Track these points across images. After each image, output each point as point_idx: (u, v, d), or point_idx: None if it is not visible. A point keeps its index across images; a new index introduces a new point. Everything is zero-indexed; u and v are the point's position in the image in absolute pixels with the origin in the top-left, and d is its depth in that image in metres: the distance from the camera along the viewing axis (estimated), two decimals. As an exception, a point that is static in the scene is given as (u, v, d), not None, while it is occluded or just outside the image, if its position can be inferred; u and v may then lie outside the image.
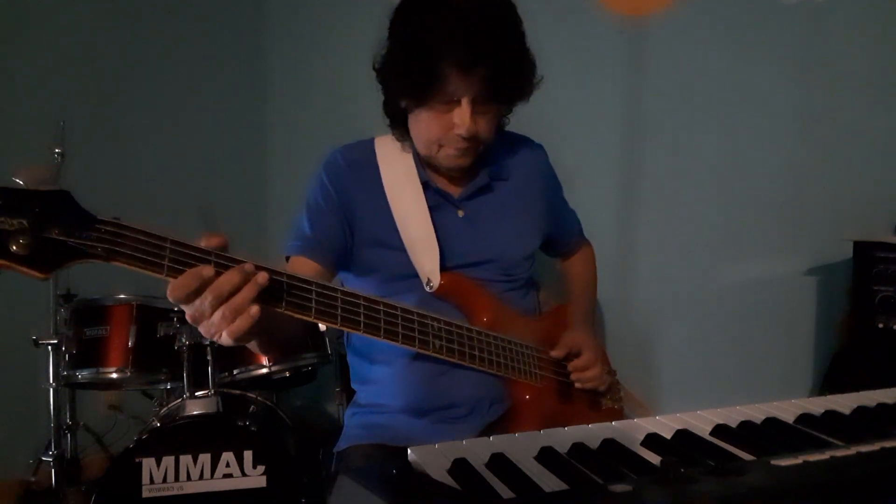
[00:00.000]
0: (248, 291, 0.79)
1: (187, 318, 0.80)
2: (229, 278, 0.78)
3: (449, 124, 1.11)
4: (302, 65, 2.88)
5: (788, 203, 2.08)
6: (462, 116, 1.09)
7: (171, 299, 0.76)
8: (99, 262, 0.75)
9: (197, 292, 0.77)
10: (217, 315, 0.77)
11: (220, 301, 0.77)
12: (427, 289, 1.17)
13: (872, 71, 1.98)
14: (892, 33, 1.95)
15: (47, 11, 2.36)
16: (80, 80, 2.41)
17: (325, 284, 0.94)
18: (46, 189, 0.73)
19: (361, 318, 0.97)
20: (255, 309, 0.79)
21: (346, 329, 0.96)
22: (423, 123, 1.14)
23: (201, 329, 0.80)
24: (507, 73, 1.09)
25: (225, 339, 0.80)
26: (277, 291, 0.86)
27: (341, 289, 0.96)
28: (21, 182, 0.72)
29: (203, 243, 0.81)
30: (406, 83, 1.11)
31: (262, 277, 0.81)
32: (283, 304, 0.87)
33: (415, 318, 1.05)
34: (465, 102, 1.09)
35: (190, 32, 2.72)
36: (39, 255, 0.70)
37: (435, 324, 1.07)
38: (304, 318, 0.90)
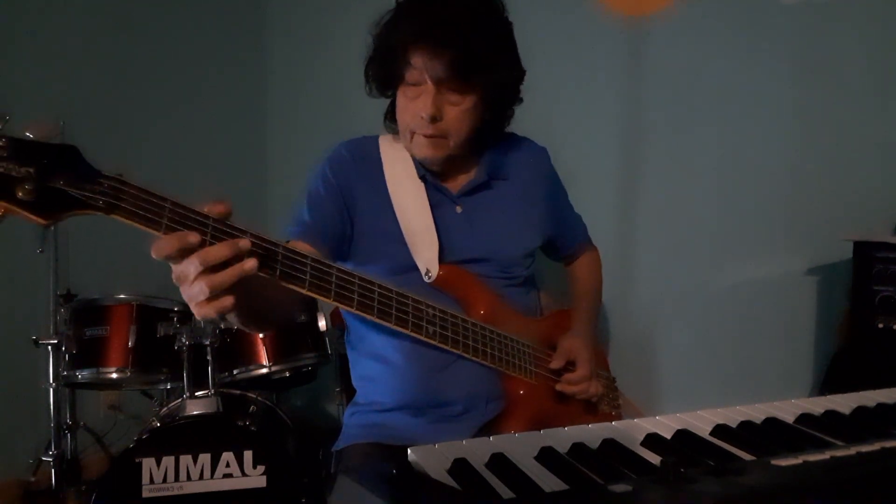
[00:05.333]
0: (231, 273, 0.78)
1: (173, 277, 0.80)
2: (219, 250, 0.78)
3: (417, 109, 1.14)
4: (302, 64, 2.88)
5: (788, 203, 2.08)
6: (425, 99, 1.12)
7: (153, 255, 0.77)
8: (99, 214, 0.77)
9: (180, 254, 0.77)
10: (196, 286, 0.78)
11: (205, 270, 0.77)
12: (426, 279, 1.18)
13: (872, 71, 1.98)
14: (892, 33, 1.95)
15: (47, 11, 2.36)
16: (80, 80, 2.41)
17: (321, 260, 0.95)
18: (55, 143, 0.77)
19: (355, 296, 0.98)
20: (229, 300, 0.79)
21: (339, 304, 0.97)
22: (399, 109, 1.18)
23: (182, 292, 0.80)
24: (476, 60, 1.10)
25: (196, 312, 0.80)
26: (272, 260, 0.87)
27: (336, 266, 0.97)
28: (31, 135, 0.76)
29: (206, 209, 0.82)
30: (377, 64, 1.16)
31: (250, 265, 0.80)
32: (277, 272, 0.88)
33: (409, 301, 1.06)
34: (429, 85, 1.11)
35: (190, 32, 2.72)
36: (43, 202, 0.74)
37: (429, 310, 1.09)
38: (298, 289, 0.91)
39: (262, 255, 0.86)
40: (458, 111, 1.15)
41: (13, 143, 0.74)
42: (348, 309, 0.99)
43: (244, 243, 0.81)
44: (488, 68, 1.13)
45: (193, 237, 0.78)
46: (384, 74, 1.18)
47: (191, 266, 0.77)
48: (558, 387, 1.25)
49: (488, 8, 1.15)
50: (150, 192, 0.80)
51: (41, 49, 2.35)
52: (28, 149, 0.75)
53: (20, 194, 0.73)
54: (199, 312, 0.80)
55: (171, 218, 0.79)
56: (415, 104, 1.14)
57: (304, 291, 0.91)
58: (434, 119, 1.13)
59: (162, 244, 0.77)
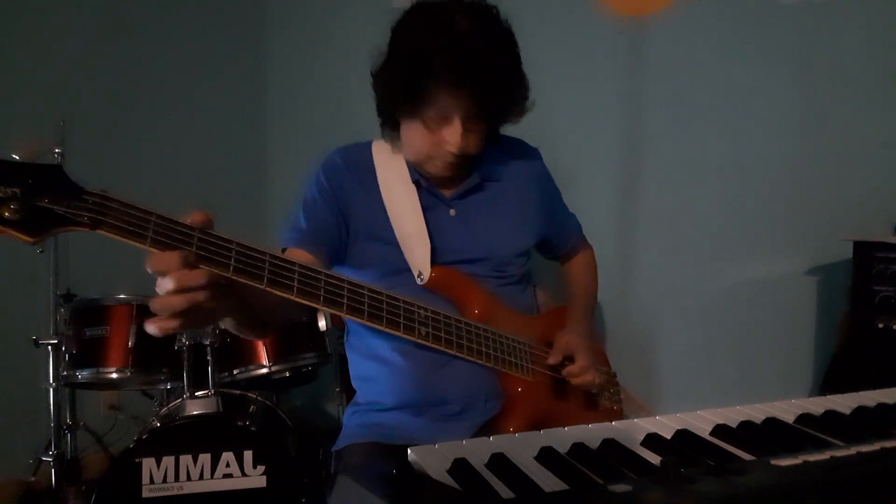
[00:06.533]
0: (172, 301, 0.79)
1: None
2: (192, 277, 0.79)
3: (440, 139, 1.15)
4: (302, 65, 2.88)
5: (788, 203, 2.08)
6: (453, 135, 1.13)
7: (148, 269, 0.79)
8: (86, 231, 0.79)
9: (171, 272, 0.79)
10: (160, 301, 0.79)
11: (176, 290, 0.78)
12: (418, 281, 1.19)
13: (872, 71, 1.98)
14: (892, 33, 1.95)
15: (47, 11, 2.36)
16: (80, 80, 2.41)
17: (309, 266, 0.96)
18: (39, 162, 0.79)
19: (345, 300, 0.99)
20: (174, 323, 0.80)
21: (328, 309, 0.98)
22: (415, 135, 1.17)
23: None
24: (499, 93, 1.12)
25: (149, 329, 0.81)
26: (258, 268, 0.88)
27: (325, 271, 0.98)
28: (17, 156, 0.78)
29: (188, 220, 0.84)
30: (401, 96, 1.14)
31: (178, 301, 0.79)
32: (265, 280, 0.89)
33: (400, 304, 1.07)
34: (456, 121, 1.12)
35: (190, 32, 2.72)
36: (29, 220, 0.76)
37: (422, 311, 1.09)
38: (286, 295, 0.92)
39: (248, 264, 0.87)
40: (476, 135, 1.17)
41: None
42: (338, 313, 1.00)
43: (208, 277, 0.81)
44: (513, 101, 1.17)
45: (191, 256, 0.80)
46: (407, 106, 1.15)
47: (166, 284, 0.78)
48: (563, 371, 1.25)
49: (510, 41, 1.16)
50: (134, 206, 0.81)
51: (41, 49, 2.35)
52: (13, 170, 0.77)
53: (6, 214, 0.75)
54: (148, 329, 0.81)
55: (156, 230, 0.81)
56: (438, 134, 1.15)
57: (292, 297, 0.92)
58: (463, 151, 1.16)
59: (161, 260, 0.78)
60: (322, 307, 0.97)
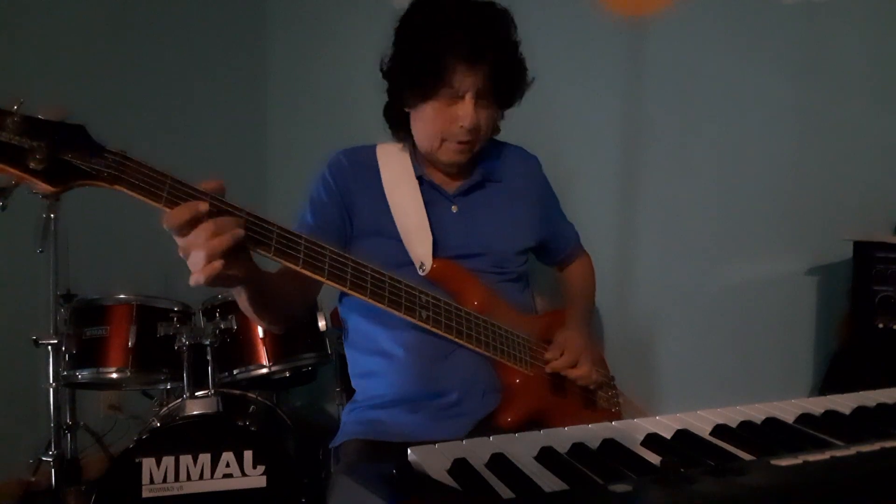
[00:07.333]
0: (226, 238, 0.84)
1: (179, 251, 0.86)
2: (227, 220, 0.85)
3: (453, 117, 1.18)
4: (302, 65, 2.89)
5: (788, 203, 2.08)
6: (466, 110, 1.17)
7: (165, 226, 0.84)
8: (104, 187, 0.83)
9: (190, 224, 0.83)
10: (200, 253, 0.83)
11: (210, 237, 0.84)
12: (420, 272, 1.21)
13: (872, 71, 1.98)
14: (892, 33, 1.95)
15: (47, 11, 2.36)
16: (80, 80, 2.41)
17: (315, 241, 0.98)
18: (64, 122, 0.85)
19: (349, 276, 1.01)
20: (219, 264, 0.84)
21: (333, 283, 1.00)
22: (427, 118, 1.20)
23: (188, 262, 0.86)
24: (507, 70, 1.18)
25: (192, 279, 0.86)
26: (267, 237, 0.92)
27: (330, 247, 1.00)
28: (42, 116, 0.84)
29: (202, 186, 0.88)
30: (414, 78, 1.18)
31: (240, 232, 0.87)
32: (273, 250, 0.92)
33: (402, 286, 1.09)
34: (468, 97, 1.16)
35: (190, 32, 2.72)
36: (52, 172, 0.81)
37: (423, 296, 1.11)
38: (292, 265, 0.95)
39: (258, 231, 0.90)
40: (487, 115, 1.21)
41: (27, 120, 0.81)
42: (342, 288, 1.01)
43: (242, 221, 0.89)
44: (518, 79, 1.23)
45: (203, 206, 0.84)
46: (420, 86, 1.18)
47: (202, 234, 0.83)
48: (547, 361, 1.26)
49: (511, 23, 1.22)
50: (152, 168, 0.86)
51: (41, 49, 2.35)
52: (40, 125, 0.82)
53: (31, 164, 0.80)
54: (194, 279, 0.86)
55: (171, 191, 0.85)
56: (450, 112, 1.18)
57: (297, 268, 0.95)
58: (475, 127, 1.19)
59: (175, 213, 0.83)
60: (326, 280, 0.99)
